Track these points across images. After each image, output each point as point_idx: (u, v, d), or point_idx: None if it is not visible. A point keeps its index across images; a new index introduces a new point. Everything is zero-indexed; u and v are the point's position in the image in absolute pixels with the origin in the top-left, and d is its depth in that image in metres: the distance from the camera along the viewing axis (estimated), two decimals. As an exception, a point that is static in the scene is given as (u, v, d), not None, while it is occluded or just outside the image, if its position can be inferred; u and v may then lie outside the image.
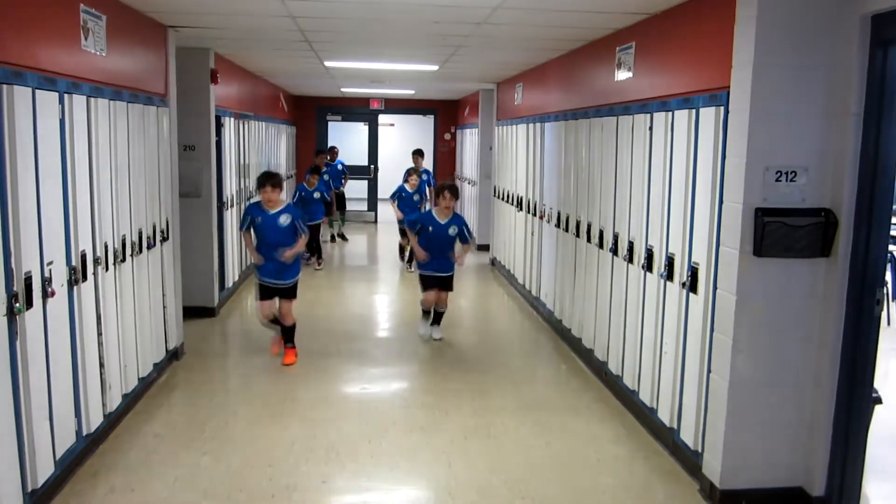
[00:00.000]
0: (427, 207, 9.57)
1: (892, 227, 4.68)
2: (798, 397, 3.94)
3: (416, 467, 4.49)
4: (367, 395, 5.81)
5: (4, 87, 3.38)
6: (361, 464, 4.50)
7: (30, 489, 3.65)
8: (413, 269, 9.48)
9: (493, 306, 9.23)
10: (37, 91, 3.69)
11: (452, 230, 6.92)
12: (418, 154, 11.98)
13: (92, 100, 4.38)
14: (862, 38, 3.56)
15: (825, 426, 3.86)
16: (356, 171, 16.61)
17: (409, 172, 10.62)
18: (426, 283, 7.07)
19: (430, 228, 6.84)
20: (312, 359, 6.53)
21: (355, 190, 16.86)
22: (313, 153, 13.06)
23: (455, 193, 6.89)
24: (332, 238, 13.54)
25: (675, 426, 4.59)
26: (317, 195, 10.64)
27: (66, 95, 4.03)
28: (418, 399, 5.62)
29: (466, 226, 7.09)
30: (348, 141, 18.15)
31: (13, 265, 3.46)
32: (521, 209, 9.04)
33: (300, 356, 6.43)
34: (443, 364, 6.50)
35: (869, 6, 3.50)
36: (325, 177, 12.18)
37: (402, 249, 11.25)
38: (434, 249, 6.88)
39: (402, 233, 10.46)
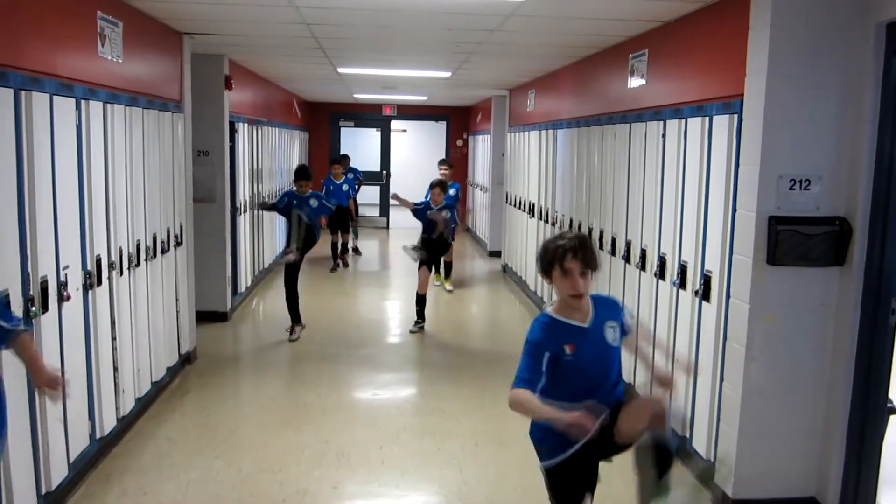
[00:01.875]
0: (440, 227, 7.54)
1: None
2: (811, 407, 3.92)
3: (428, 473, 4.50)
4: (378, 400, 5.81)
5: (23, 93, 3.43)
6: (372, 469, 4.50)
7: (44, 491, 3.68)
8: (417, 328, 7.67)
9: (505, 313, 9.22)
10: (54, 97, 3.73)
11: (612, 331, 2.86)
12: (444, 164, 9.76)
13: (108, 106, 4.42)
14: (877, 46, 3.55)
15: (839, 436, 3.83)
16: (368, 178, 16.64)
17: (433, 186, 8.05)
18: (573, 488, 3.01)
19: (569, 351, 2.76)
20: (324, 364, 6.54)
21: (367, 196, 16.91)
22: (294, 174, 7.95)
23: (590, 252, 2.78)
24: (356, 250, 12.58)
25: (686, 435, 4.57)
26: (314, 203, 7.36)
27: (82, 101, 4.08)
28: (429, 405, 5.62)
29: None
30: (361, 147, 18.20)
31: (30, 269, 3.49)
32: (532, 216, 9.04)
33: (311, 361, 6.43)
34: (454, 370, 6.50)
35: (884, 14, 3.48)
36: (344, 187, 11.37)
37: (421, 301, 7.75)
38: (582, 387, 2.80)
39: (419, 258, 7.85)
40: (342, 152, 15.70)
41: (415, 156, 20.32)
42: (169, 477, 4.32)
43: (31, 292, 3.49)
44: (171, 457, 4.60)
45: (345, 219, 11.41)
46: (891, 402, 3.75)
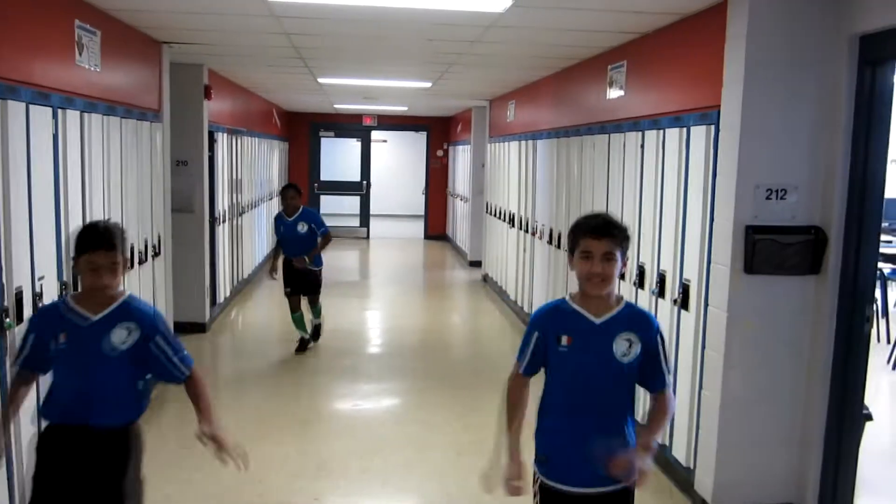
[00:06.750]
0: None
1: (881, 244, 4.74)
2: (789, 414, 3.95)
3: (409, 484, 4.48)
4: (359, 411, 5.78)
5: (-1, 101, 3.39)
6: (353, 480, 4.48)
7: None
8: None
9: (485, 323, 9.22)
10: (30, 106, 3.69)
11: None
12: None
13: (85, 115, 4.38)
14: (851, 58, 3.61)
15: (816, 442, 3.87)
16: (349, 188, 16.65)
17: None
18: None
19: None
20: (304, 375, 6.50)
21: (347, 206, 16.90)
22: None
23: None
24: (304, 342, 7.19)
25: (666, 443, 4.58)
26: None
27: (59, 110, 4.04)
28: (410, 415, 5.61)
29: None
30: (341, 157, 18.20)
31: (4, 280, 3.44)
32: (513, 226, 9.06)
33: (291, 372, 6.38)
34: (435, 381, 6.48)
35: (857, 27, 3.55)
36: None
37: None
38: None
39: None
40: (320, 165, 15.59)
41: (395, 166, 20.37)
42: (148, 488, 4.25)
43: (5, 303, 3.44)
44: (150, 468, 4.52)
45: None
46: (866, 408, 3.80)
